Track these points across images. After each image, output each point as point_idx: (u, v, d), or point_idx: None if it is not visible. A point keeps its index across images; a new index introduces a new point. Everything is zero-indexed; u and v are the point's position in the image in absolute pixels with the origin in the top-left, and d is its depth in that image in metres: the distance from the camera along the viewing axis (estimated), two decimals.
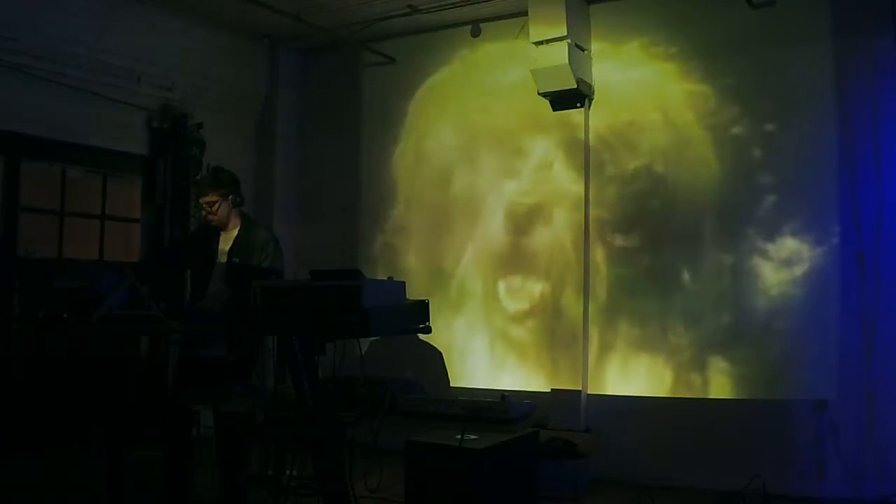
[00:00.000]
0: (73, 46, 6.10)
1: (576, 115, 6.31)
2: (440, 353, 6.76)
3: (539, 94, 6.25)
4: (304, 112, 7.86)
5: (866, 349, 5.24)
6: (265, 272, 4.31)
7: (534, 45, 6.04)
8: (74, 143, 6.26)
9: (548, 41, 5.97)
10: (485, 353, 6.70)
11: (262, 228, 4.70)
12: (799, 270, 5.55)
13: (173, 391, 4.46)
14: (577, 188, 6.34)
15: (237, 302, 4.05)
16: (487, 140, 6.88)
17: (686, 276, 5.96)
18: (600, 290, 6.27)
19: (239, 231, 4.55)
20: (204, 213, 4.54)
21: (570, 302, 6.29)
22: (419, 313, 3.53)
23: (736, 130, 5.86)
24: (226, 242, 4.56)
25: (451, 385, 6.61)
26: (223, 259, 4.53)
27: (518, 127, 6.72)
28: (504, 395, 3.91)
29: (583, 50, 6.17)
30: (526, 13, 6.10)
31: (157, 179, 6.83)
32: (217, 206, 4.47)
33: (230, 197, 4.52)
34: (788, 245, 5.61)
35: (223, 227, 4.55)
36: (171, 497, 4.34)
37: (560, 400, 6.07)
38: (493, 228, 6.78)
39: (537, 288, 6.49)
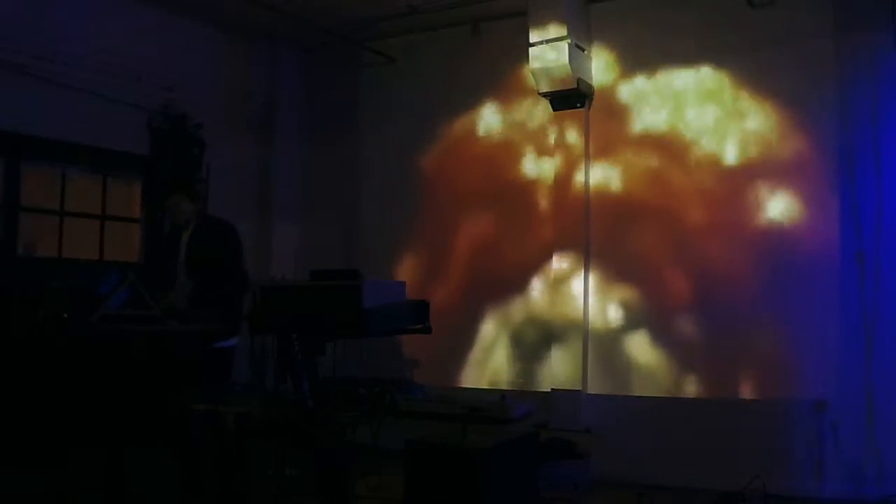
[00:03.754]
0: (73, 46, 6.10)
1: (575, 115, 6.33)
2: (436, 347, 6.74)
3: (539, 94, 6.27)
4: (304, 112, 7.86)
5: (866, 349, 5.24)
6: (221, 262, 4.33)
7: (534, 45, 6.04)
8: (74, 143, 6.25)
9: (548, 41, 5.97)
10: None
11: (218, 221, 4.72)
12: (798, 270, 5.55)
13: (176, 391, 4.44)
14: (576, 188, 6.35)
15: (198, 295, 4.09)
16: (487, 139, 6.89)
17: (685, 274, 5.96)
18: (596, 285, 6.27)
19: (196, 224, 4.59)
20: (172, 214, 4.59)
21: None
22: (419, 313, 3.53)
23: (735, 130, 5.86)
24: (186, 237, 4.61)
25: (449, 384, 6.63)
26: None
27: (517, 126, 6.75)
28: (504, 395, 3.92)
29: (583, 50, 6.17)
30: (526, 13, 6.10)
31: (157, 179, 6.82)
32: (182, 205, 4.53)
33: (190, 194, 4.57)
34: (788, 244, 5.60)
35: (187, 225, 4.60)
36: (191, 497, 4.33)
37: (560, 400, 6.07)
38: (490, 226, 6.81)
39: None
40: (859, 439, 5.18)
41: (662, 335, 5.98)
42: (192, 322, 4.05)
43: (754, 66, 5.80)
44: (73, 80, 6.12)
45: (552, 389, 6.16)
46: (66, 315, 3.69)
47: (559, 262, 6.27)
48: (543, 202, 6.54)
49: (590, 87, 6.29)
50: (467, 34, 6.98)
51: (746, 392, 5.65)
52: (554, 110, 6.36)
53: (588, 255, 6.25)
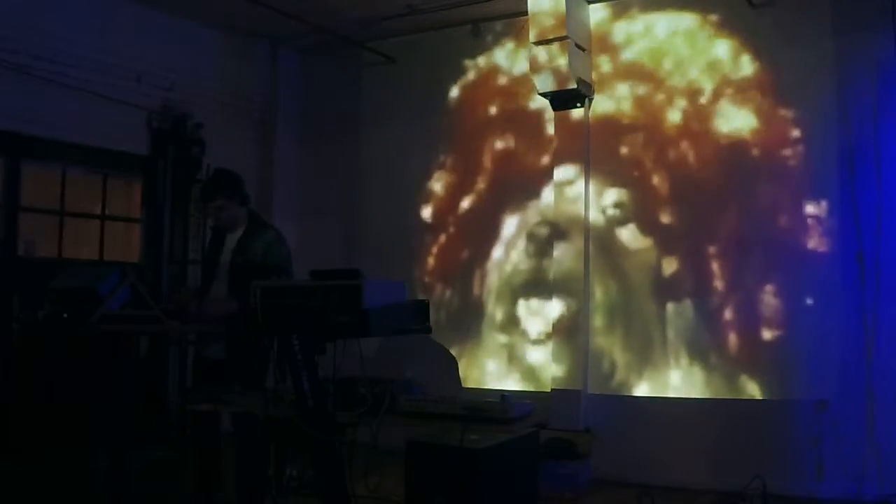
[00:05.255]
0: (73, 46, 6.10)
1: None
2: (454, 358, 6.76)
3: (539, 94, 6.27)
4: (303, 112, 7.86)
5: (866, 349, 5.24)
6: (268, 270, 4.28)
7: (534, 45, 6.05)
8: (74, 143, 6.26)
9: (548, 41, 5.98)
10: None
11: (268, 227, 4.64)
12: (799, 270, 5.55)
13: (189, 392, 4.42)
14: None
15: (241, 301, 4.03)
16: (487, 138, 6.90)
17: (686, 274, 5.96)
18: (602, 286, 6.28)
19: (244, 231, 4.50)
20: (214, 217, 4.48)
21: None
22: (419, 313, 3.53)
23: (735, 130, 5.86)
24: (232, 243, 4.51)
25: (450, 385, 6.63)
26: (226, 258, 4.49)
27: (517, 124, 6.76)
28: (504, 395, 3.91)
29: (583, 50, 6.18)
30: (526, 13, 6.10)
31: (157, 179, 6.83)
32: (225, 209, 4.42)
33: (236, 197, 4.46)
34: (788, 244, 5.61)
35: (234, 228, 4.49)
36: (200, 499, 4.31)
37: (560, 400, 6.07)
38: (492, 222, 6.82)
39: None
40: (859, 439, 5.18)
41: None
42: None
43: (754, 67, 5.81)
44: (73, 80, 6.13)
45: (552, 389, 6.16)
46: (65, 315, 3.68)
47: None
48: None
49: (589, 86, 6.29)
50: (467, 34, 6.99)
51: (747, 392, 5.65)
52: (554, 110, 6.36)
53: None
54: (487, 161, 6.94)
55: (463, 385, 6.62)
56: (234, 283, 4.27)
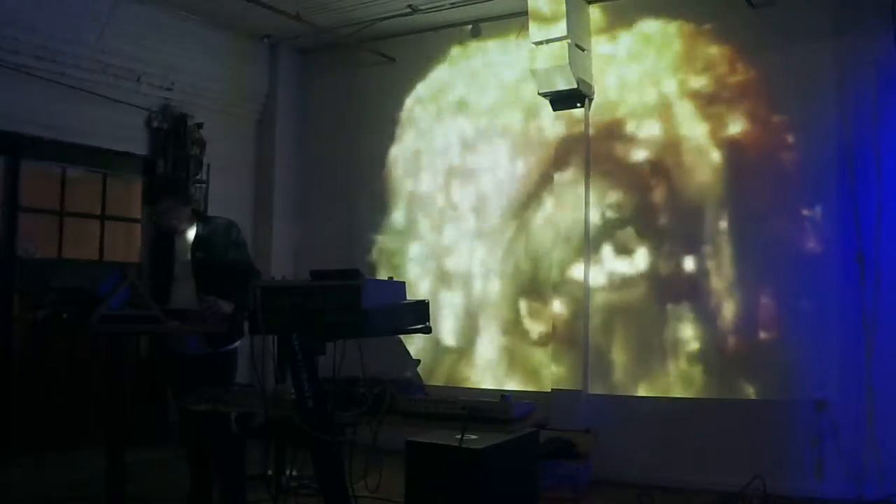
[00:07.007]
0: (73, 46, 6.11)
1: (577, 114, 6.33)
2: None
3: (539, 94, 6.27)
4: (303, 112, 7.86)
5: (866, 349, 5.24)
6: (233, 264, 4.27)
7: (534, 45, 6.05)
8: (74, 143, 6.26)
9: (548, 41, 5.98)
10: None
11: (217, 218, 4.62)
12: (798, 270, 5.55)
13: (177, 392, 4.39)
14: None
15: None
16: (487, 139, 6.89)
17: (686, 275, 5.96)
18: (600, 287, 6.28)
19: (198, 227, 4.46)
20: (163, 219, 4.38)
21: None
22: (419, 313, 3.53)
23: (735, 130, 5.86)
24: (185, 240, 4.42)
25: (445, 384, 6.64)
26: (182, 257, 4.41)
27: (518, 124, 6.76)
28: (504, 395, 3.91)
29: (583, 50, 6.18)
30: (526, 13, 6.10)
31: (157, 179, 6.82)
32: (173, 209, 4.36)
33: (181, 198, 4.44)
34: (787, 244, 5.61)
35: (178, 228, 4.40)
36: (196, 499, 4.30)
37: (560, 400, 6.07)
38: (493, 226, 6.81)
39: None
40: (859, 439, 5.18)
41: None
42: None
43: (754, 67, 5.81)
44: (73, 80, 6.13)
45: (552, 389, 6.16)
46: (65, 315, 3.67)
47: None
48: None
49: (590, 86, 6.29)
50: (467, 34, 6.99)
51: (747, 392, 5.65)
52: (554, 110, 6.36)
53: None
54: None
55: (460, 386, 6.63)
56: (206, 280, 4.23)
